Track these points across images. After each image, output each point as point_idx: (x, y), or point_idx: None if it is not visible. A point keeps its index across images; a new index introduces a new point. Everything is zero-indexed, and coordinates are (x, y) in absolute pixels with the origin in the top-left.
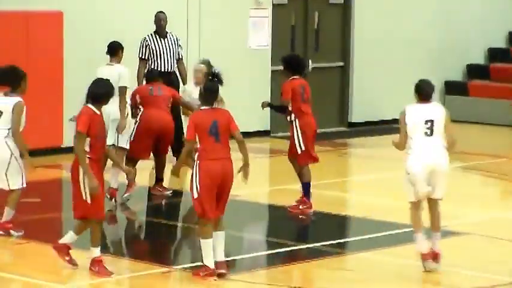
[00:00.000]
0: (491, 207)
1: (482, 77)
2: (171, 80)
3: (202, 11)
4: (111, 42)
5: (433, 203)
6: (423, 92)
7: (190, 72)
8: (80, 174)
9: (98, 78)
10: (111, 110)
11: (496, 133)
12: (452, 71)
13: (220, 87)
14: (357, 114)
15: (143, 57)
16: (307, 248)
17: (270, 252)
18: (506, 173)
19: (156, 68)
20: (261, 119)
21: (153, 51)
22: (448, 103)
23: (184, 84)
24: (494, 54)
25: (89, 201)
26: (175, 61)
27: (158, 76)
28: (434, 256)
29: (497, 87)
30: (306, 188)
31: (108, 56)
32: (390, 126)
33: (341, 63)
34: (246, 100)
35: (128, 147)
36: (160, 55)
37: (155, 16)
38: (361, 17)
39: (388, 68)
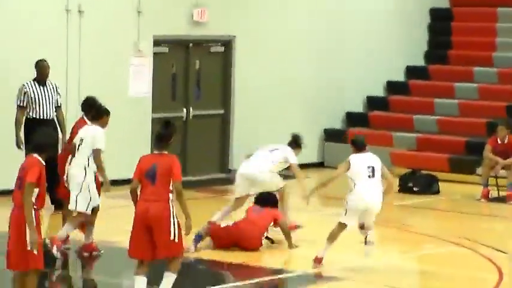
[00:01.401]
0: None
1: (362, 125)
2: (49, 127)
3: (82, 58)
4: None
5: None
6: (360, 144)
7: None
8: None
9: (44, 128)
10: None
11: None
12: (332, 118)
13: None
14: (238, 161)
15: (22, 104)
16: None
17: None
18: (385, 219)
19: (34, 115)
20: None
21: (32, 98)
22: (327, 150)
23: (62, 132)
24: (372, 102)
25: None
26: (54, 108)
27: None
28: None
29: (376, 135)
30: None
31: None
32: None
33: (221, 111)
34: (126, 148)
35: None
36: (39, 102)
37: (37, 64)
38: (241, 65)
39: (268, 116)
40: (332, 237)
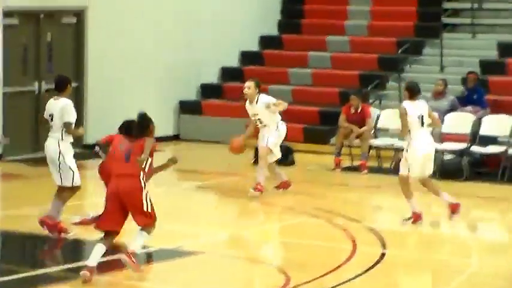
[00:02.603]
0: (228, 225)
1: (217, 96)
2: None
3: None
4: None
5: (427, 179)
6: (416, 90)
7: None
8: None
9: None
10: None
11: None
12: (187, 90)
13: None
14: (93, 135)
15: None
16: (43, 273)
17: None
18: (241, 191)
19: None
20: None
21: None
22: (182, 122)
23: None
24: (227, 73)
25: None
26: None
27: None
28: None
29: (230, 106)
30: None
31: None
32: None
33: (75, 84)
34: None
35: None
36: None
37: None
38: (94, 37)
39: (124, 87)
40: (407, 194)
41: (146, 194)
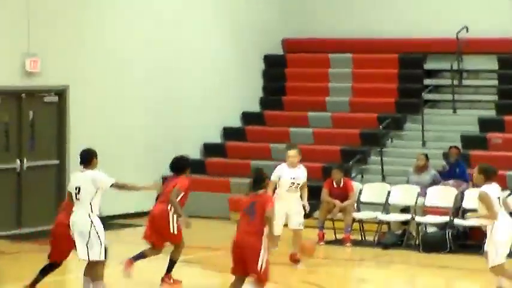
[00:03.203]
0: None
1: (200, 172)
2: None
3: None
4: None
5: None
6: (493, 173)
7: None
8: None
9: None
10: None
11: (213, 226)
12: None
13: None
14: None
15: None
16: None
17: None
18: (223, 265)
19: None
20: None
21: None
22: None
23: None
24: (209, 149)
25: None
26: None
27: None
28: None
29: (214, 182)
30: None
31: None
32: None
33: (57, 161)
34: None
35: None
36: None
37: None
38: (75, 115)
39: (104, 164)
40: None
41: None
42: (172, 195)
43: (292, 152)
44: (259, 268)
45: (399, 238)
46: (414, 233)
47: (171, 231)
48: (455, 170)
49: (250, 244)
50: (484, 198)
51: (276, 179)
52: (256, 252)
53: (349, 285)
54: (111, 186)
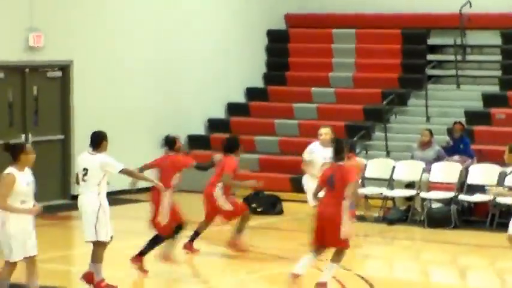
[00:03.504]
0: (217, 274)
1: (205, 147)
2: None
3: None
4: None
5: None
6: None
7: None
8: None
9: None
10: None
11: None
12: None
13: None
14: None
15: None
16: None
17: None
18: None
19: None
20: None
21: None
22: None
23: None
24: (214, 124)
25: None
26: None
27: None
28: None
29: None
30: None
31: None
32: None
33: (61, 136)
34: None
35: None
36: None
37: None
38: (79, 90)
39: (111, 139)
40: None
41: None
42: (227, 182)
43: (325, 130)
44: (341, 238)
45: (404, 214)
46: (419, 209)
47: (224, 208)
48: (459, 146)
49: (331, 215)
50: None
51: (311, 158)
52: (337, 224)
53: (353, 261)
54: (119, 172)
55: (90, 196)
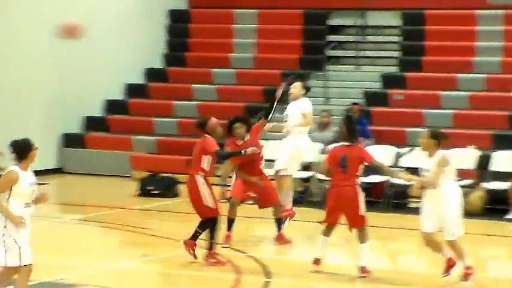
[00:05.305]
0: (111, 257)
1: (101, 129)
2: None
3: None
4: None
5: None
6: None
7: None
8: None
9: None
10: None
11: (114, 184)
12: (71, 122)
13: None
14: None
15: None
16: None
17: None
18: (124, 223)
19: None
20: None
21: None
22: (66, 155)
23: None
24: (111, 106)
25: None
26: None
27: None
28: None
29: (116, 139)
30: None
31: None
32: None
33: None
34: None
35: None
36: None
37: None
38: None
39: (4, 119)
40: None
41: None
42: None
43: (297, 84)
44: (360, 215)
45: (300, 195)
46: (316, 190)
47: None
48: None
49: (349, 196)
50: (443, 163)
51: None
52: (356, 204)
53: (248, 243)
54: None
55: None
